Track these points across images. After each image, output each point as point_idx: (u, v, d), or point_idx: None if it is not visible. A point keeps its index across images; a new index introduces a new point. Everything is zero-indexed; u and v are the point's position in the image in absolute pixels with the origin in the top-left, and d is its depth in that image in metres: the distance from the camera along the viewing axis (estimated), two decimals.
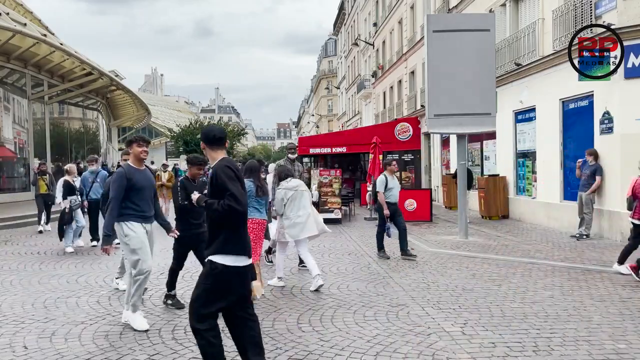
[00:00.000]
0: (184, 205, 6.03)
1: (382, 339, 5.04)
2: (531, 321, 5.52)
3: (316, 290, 6.88)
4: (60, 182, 10.84)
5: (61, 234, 10.51)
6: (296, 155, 9.32)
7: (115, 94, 31.78)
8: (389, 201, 9.23)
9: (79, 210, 10.79)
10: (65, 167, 11.70)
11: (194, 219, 6.16)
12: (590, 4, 11.31)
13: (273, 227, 8.03)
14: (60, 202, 10.68)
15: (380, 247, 9.44)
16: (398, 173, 20.29)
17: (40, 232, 13.24)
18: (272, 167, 11.80)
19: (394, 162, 9.70)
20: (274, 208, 7.59)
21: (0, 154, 21.39)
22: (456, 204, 13.61)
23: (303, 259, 7.45)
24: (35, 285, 7.50)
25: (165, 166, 17.70)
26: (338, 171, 15.70)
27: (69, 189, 10.69)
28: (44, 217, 13.65)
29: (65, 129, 27.96)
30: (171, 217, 8.05)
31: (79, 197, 10.84)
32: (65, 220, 10.44)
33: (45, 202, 13.56)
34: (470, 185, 14.40)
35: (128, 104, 34.53)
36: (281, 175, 7.54)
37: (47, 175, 13.85)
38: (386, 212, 9.14)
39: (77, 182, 11.15)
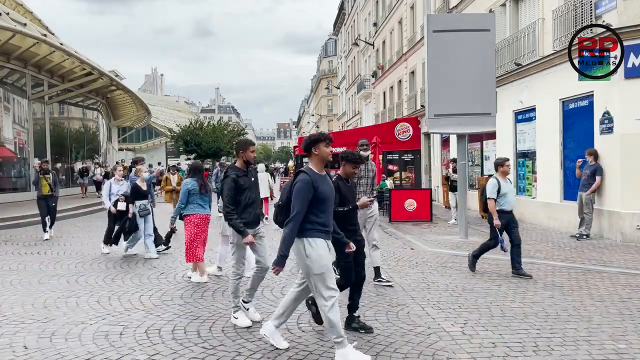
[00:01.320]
0: (342, 211, 5.27)
1: (382, 339, 5.04)
2: (531, 321, 5.52)
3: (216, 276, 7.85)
4: (107, 184, 10.07)
5: (110, 238, 9.92)
6: (369, 152, 7.70)
7: (115, 94, 31.78)
8: (503, 209, 7.69)
9: (146, 217, 9.69)
10: (137, 168, 10.46)
11: (350, 224, 5.51)
12: (590, 4, 11.31)
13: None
14: (110, 207, 9.96)
15: (474, 261, 8.08)
16: (398, 173, 20.39)
17: (47, 239, 11.96)
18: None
19: (507, 162, 8.01)
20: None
21: (0, 154, 21.40)
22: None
23: (220, 248, 8.19)
24: (35, 285, 7.50)
25: (175, 168, 16.45)
26: (338, 171, 15.67)
27: (137, 193, 9.68)
28: (47, 221, 12.42)
29: (65, 129, 27.96)
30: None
31: (149, 202, 9.86)
32: (130, 227, 9.58)
33: (47, 204, 12.40)
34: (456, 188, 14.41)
35: (128, 104, 34.53)
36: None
37: (50, 174, 12.61)
38: (496, 222, 7.63)
39: (122, 186, 10.13)
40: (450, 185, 14.77)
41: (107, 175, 25.64)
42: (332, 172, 16.24)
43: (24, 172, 22.79)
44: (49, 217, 12.39)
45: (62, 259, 9.56)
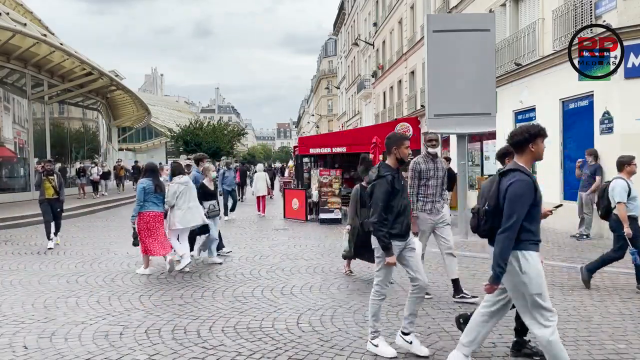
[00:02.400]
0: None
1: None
2: None
3: (181, 271, 8.10)
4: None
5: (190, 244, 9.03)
6: (438, 149, 6.84)
7: (115, 94, 31.77)
8: (631, 215, 6.61)
9: (215, 219, 9.14)
10: (204, 166, 9.64)
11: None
12: (590, 4, 11.32)
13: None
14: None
15: (590, 276, 7.01)
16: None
17: (51, 248, 10.67)
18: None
19: (634, 161, 6.86)
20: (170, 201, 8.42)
21: (0, 154, 21.40)
22: (456, 204, 13.60)
23: (174, 244, 8.37)
24: (35, 285, 7.50)
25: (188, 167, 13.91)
26: (338, 171, 15.69)
27: (204, 193, 9.02)
28: (52, 228, 11.15)
29: (65, 129, 27.94)
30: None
31: (217, 203, 9.27)
32: (198, 231, 8.93)
33: (53, 209, 11.07)
34: (451, 187, 14.34)
35: (128, 104, 34.52)
36: (175, 172, 8.63)
37: (55, 175, 11.23)
38: (627, 231, 6.50)
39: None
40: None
41: (104, 176, 25.61)
42: (332, 172, 16.05)
43: (24, 172, 22.78)
44: (53, 223, 11.15)
45: (62, 259, 9.56)
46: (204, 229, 8.83)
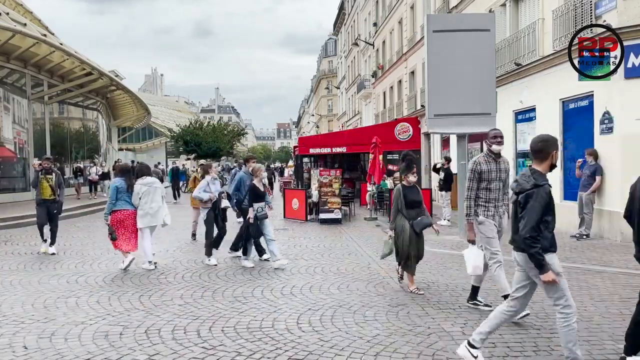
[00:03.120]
0: None
1: (382, 339, 5.04)
2: (531, 321, 5.52)
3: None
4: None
5: (211, 246, 9.08)
6: (502, 148, 6.10)
7: (115, 94, 31.76)
8: None
9: (267, 221, 8.73)
10: (255, 167, 9.14)
11: None
12: (590, 4, 11.31)
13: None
14: (250, 217, 8.51)
15: None
16: (398, 173, 20.37)
17: (44, 252, 10.03)
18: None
19: None
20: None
21: (0, 154, 21.39)
22: (456, 204, 13.60)
23: (143, 243, 8.76)
24: (35, 285, 7.50)
25: (206, 168, 10.81)
26: (338, 171, 15.69)
27: (255, 195, 8.60)
28: (47, 231, 10.22)
29: (65, 129, 27.92)
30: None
31: (265, 205, 8.83)
32: (253, 234, 8.54)
33: (49, 210, 10.14)
34: (450, 187, 14.37)
35: (128, 104, 34.51)
36: (139, 173, 9.00)
37: (53, 174, 10.29)
38: None
39: (217, 185, 9.43)
40: (438, 183, 14.79)
41: (104, 176, 25.54)
42: (332, 172, 16.03)
43: (24, 172, 22.77)
44: (48, 226, 10.24)
45: (62, 259, 9.56)
46: (256, 233, 8.53)
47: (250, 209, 8.51)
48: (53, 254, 9.98)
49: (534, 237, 4.01)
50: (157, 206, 8.78)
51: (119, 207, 8.56)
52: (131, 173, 9.05)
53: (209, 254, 9.05)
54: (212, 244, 9.19)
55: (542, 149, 4.21)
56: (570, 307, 4.07)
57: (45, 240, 10.26)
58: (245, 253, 8.87)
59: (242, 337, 5.16)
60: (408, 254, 6.80)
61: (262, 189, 8.80)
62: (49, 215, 10.16)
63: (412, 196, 6.98)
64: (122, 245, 8.56)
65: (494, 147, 5.98)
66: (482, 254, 5.89)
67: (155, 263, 8.76)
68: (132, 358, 4.65)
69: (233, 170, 16.74)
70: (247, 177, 9.38)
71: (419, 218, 6.85)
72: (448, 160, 14.84)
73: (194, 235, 12.22)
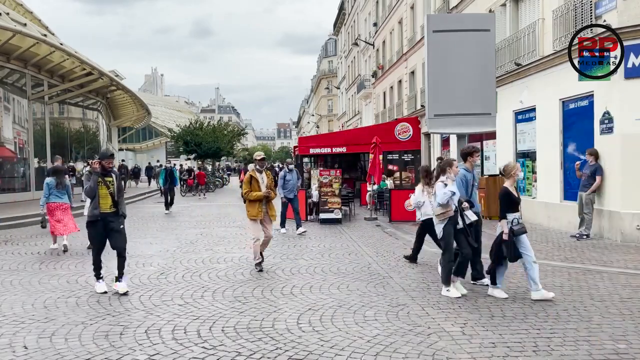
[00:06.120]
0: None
1: (382, 339, 5.04)
2: (531, 321, 5.52)
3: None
4: (440, 186, 6.81)
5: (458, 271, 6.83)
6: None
7: (115, 94, 31.77)
8: None
9: (524, 238, 6.51)
10: (504, 166, 6.75)
11: None
12: (590, 4, 11.31)
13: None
14: (503, 231, 6.42)
15: None
16: (398, 173, 20.40)
17: (105, 292, 7.02)
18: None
19: None
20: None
21: (0, 154, 21.40)
22: None
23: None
24: (35, 285, 7.50)
25: (262, 163, 8.96)
26: (338, 171, 15.69)
27: (510, 202, 6.50)
28: (103, 265, 7.28)
29: (65, 129, 27.94)
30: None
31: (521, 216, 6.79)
32: (509, 255, 6.39)
33: (108, 229, 7.01)
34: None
35: (128, 104, 34.53)
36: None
37: (113, 176, 7.19)
38: None
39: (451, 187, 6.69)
40: None
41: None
42: (332, 172, 16.03)
43: (24, 172, 22.78)
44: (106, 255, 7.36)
45: (62, 259, 9.56)
46: (514, 254, 6.39)
47: (503, 222, 6.44)
48: (126, 293, 6.89)
49: None
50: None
51: (51, 200, 10.54)
52: (62, 173, 10.93)
53: (447, 282, 6.69)
54: (454, 269, 6.78)
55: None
56: None
57: (100, 278, 7.09)
58: (494, 281, 6.60)
59: (242, 337, 5.16)
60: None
61: (515, 194, 6.63)
62: (109, 235, 7.06)
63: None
64: (59, 230, 10.48)
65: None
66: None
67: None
68: (132, 358, 4.65)
69: (281, 173, 13.58)
70: (469, 175, 7.30)
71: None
72: (441, 160, 14.81)
73: (258, 264, 8.42)
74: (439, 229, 6.90)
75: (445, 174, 6.86)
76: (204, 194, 28.40)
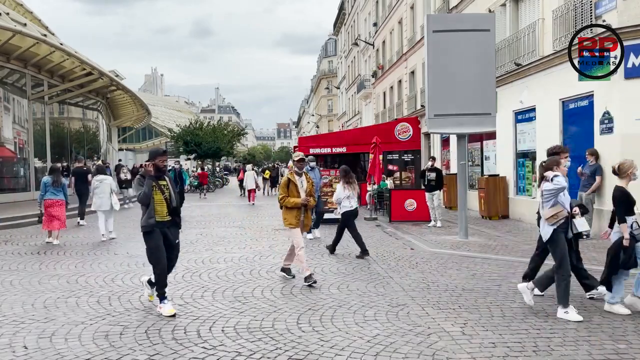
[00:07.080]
0: None
1: (382, 339, 5.04)
2: (531, 321, 5.52)
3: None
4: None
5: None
6: None
7: (115, 94, 31.75)
8: None
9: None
10: (619, 165, 6.00)
11: None
12: (590, 4, 11.32)
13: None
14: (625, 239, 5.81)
15: None
16: (398, 173, 20.41)
17: (161, 315, 5.98)
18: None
19: None
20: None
21: (0, 154, 21.39)
22: (456, 204, 13.60)
23: (100, 223, 11.79)
24: (35, 285, 7.50)
25: (301, 162, 7.89)
26: (338, 171, 15.66)
27: (628, 204, 5.86)
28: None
29: (65, 129, 27.92)
30: None
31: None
32: (625, 262, 5.81)
33: (168, 239, 6.19)
34: (442, 186, 14.27)
35: (128, 104, 34.51)
36: (97, 172, 12.22)
37: (166, 179, 6.28)
38: None
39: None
40: (427, 184, 13.77)
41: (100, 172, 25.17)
42: (332, 172, 15.95)
43: (24, 172, 22.77)
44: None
45: (62, 259, 9.56)
46: (631, 261, 5.78)
47: (623, 225, 5.75)
48: (171, 315, 5.92)
49: None
50: (105, 197, 11.75)
51: (47, 197, 11.35)
52: (58, 172, 11.89)
53: (565, 301, 5.65)
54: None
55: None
56: None
57: (165, 297, 6.08)
58: (610, 289, 5.91)
59: (242, 337, 5.16)
60: None
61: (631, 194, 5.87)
62: (168, 246, 6.19)
63: None
64: (51, 226, 11.25)
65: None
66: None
67: (112, 239, 11.79)
68: (132, 358, 4.65)
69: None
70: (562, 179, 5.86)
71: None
72: (433, 159, 14.80)
73: (309, 277, 7.29)
74: (546, 232, 5.78)
75: (557, 168, 5.88)
76: (205, 194, 28.47)
